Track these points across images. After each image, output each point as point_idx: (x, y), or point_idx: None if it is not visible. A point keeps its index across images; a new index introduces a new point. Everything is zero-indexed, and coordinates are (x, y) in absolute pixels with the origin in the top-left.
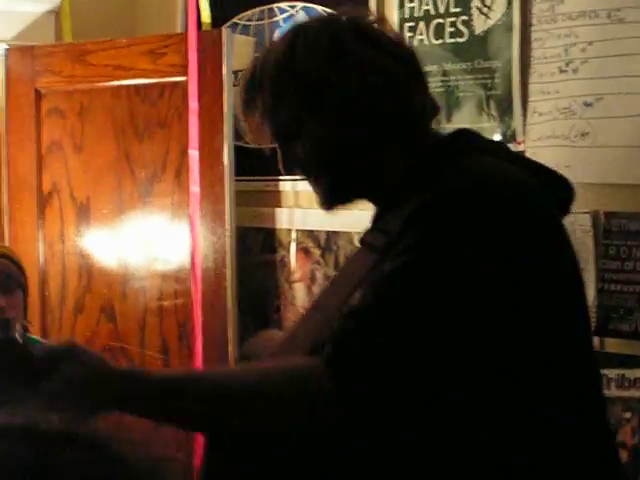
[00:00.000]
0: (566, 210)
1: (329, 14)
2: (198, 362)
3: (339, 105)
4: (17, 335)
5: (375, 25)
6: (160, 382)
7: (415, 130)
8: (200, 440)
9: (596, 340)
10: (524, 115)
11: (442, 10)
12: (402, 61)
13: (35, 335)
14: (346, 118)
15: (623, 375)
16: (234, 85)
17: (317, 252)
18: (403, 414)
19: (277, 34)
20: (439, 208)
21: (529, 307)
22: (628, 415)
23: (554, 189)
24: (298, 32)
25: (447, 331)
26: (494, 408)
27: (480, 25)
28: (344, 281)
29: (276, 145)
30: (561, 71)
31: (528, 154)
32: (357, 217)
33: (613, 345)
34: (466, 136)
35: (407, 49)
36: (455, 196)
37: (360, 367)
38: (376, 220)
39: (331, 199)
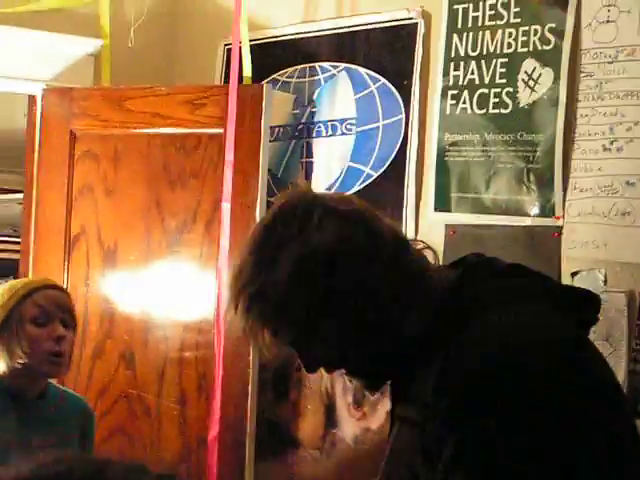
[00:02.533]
0: (590, 326)
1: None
2: (216, 415)
3: (340, 309)
4: None
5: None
6: None
7: (412, 290)
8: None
9: None
10: (564, 190)
11: (487, 80)
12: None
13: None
14: (348, 318)
15: None
16: (270, 140)
17: None
18: None
19: (317, 93)
20: (465, 400)
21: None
22: None
23: (578, 308)
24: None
25: None
26: None
27: (525, 98)
28: (399, 461)
29: (296, 353)
30: (605, 149)
31: (566, 229)
32: None
33: None
34: (474, 273)
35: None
36: (477, 387)
37: None
38: (403, 386)
39: (372, 386)
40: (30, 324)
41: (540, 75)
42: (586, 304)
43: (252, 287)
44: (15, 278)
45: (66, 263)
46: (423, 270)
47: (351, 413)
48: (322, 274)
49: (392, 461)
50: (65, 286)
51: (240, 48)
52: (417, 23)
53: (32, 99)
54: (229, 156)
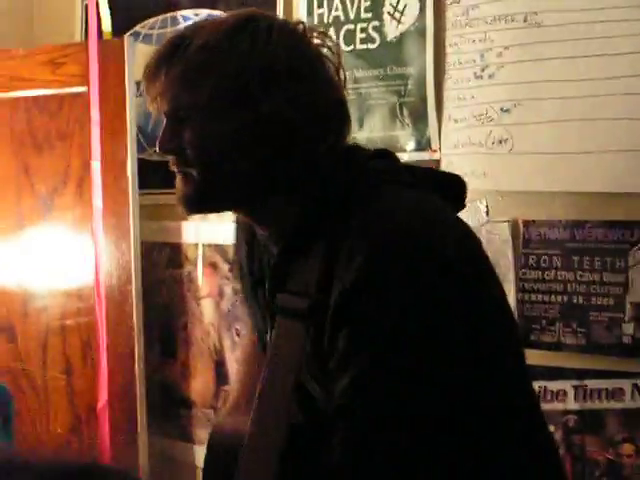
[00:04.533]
0: (462, 206)
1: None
2: (103, 381)
3: (251, 110)
4: None
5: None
6: None
7: (315, 150)
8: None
9: None
10: (439, 122)
11: (352, 16)
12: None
13: None
14: (249, 123)
15: (545, 388)
16: (137, 95)
17: (225, 267)
18: None
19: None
20: (366, 290)
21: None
22: (551, 428)
23: (450, 191)
24: (247, 25)
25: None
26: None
27: (392, 31)
28: (282, 363)
29: (163, 119)
30: (476, 76)
31: (443, 162)
32: None
33: (534, 357)
34: (360, 158)
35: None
36: (378, 286)
37: None
38: (277, 269)
39: (197, 200)
40: None
41: (405, 6)
42: (456, 184)
43: (191, 33)
44: None
45: None
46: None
47: (241, 369)
48: (264, 67)
49: (277, 361)
50: None
51: (97, 3)
52: None
53: None
54: (94, 114)
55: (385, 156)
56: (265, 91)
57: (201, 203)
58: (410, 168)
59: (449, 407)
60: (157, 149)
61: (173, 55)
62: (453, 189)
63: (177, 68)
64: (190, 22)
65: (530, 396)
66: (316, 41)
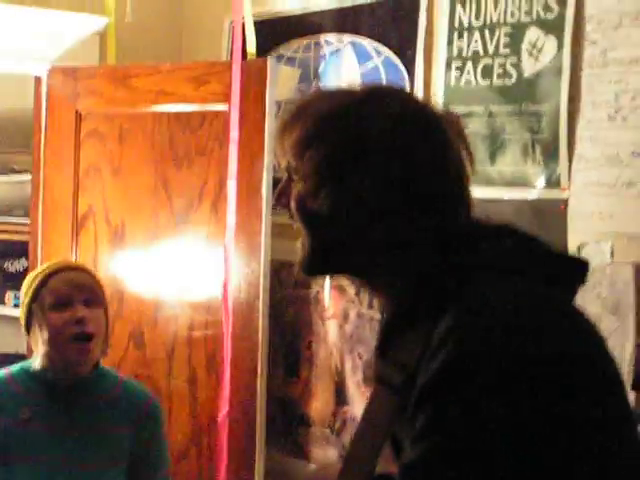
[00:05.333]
0: (576, 288)
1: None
2: (225, 394)
3: (354, 185)
4: None
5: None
6: None
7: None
8: (222, 472)
9: (632, 395)
10: (570, 161)
11: (491, 51)
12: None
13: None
14: (349, 198)
15: None
16: (276, 116)
17: (351, 290)
18: None
19: (322, 67)
20: (451, 382)
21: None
22: None
23: (565, 273)
24: (369, 100)
25: None
26: None
27: (529, 67)
28: (371, 431)
29: (284, 178)
30: (610, 118)
31: (572, 201)
32: None
33: None
34: (485, 240)
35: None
36: (467, 369)
37: None
38: (384, 337)
39: (306, 265)
40: (50, 311)
41: (544, 44)
42: (576, 270)
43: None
44: (27, 259)
45: (74, 244)
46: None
47: (361, 391)
48: (387, 136)
49: (364, 429)
50: None
51: (243, 24)
52: None
53: (38, 79)
54: (234, 133)
55: (506, 234)
56: (369, 170)
57: (310, 268)
58: (529, 250)
59: None
60: (274, 203)
61: (295, 119)
62: (573, 273)
63: (295, 132)
64: (332, 47)
65: None
66: (447, 121)
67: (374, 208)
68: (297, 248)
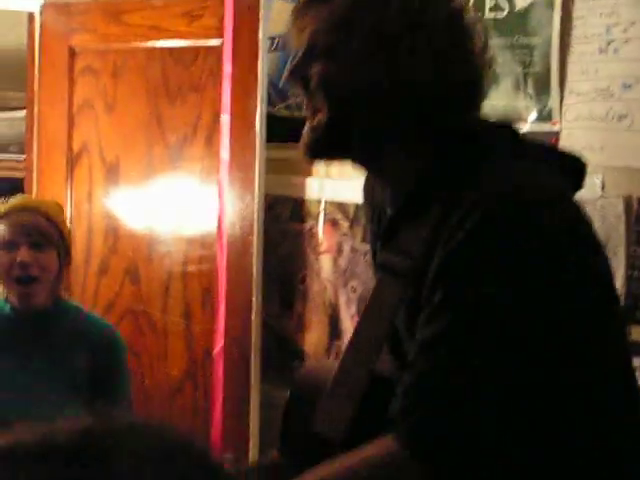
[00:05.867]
0: (580, 186)
1: None
2: (220, 328)
3: (389, 64)
4: None
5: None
6: None
7: (443, 115)
8: (218, 406)
9: None
10: (561, 95)
11: None
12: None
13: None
14: (383, 76)
15: None
16: (270, 51)
17: (345, 224)
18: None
19: None
20: (470, 255)
21: (577, 343)
22: None
23: (571, 172)
24: None
25: (510, 389)
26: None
27: (521, 0)
28: (377, 314)
29: (298, 53)
30: (601, 51)
31: (563, 134)
32: None
33: (637, 333)
34: (484, 129)
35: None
36: (486, 240)
37: (444, 451)
38: (389, 229)
39: (320, 144)
40: (2, 250)
41: None
42: (576, 167)
43: None
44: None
45: (69, 180)
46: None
47: (354, 324)
48: (406, 15)
49: (371, 313)
50: (68, 203)
51: None
52: None
53: (31, 16)
54: (227, 68)
55: (507, 127)
56: (409, 50)
57: (323, 148)
58: (532, 143)
59: (535, 367)
60: (285, 76)
61: None
62: (573, 168)
63: (325, 9)
64: None
65: (626, 374)
66: (469, 15)
67: (404, 85)
68: (303, 134)
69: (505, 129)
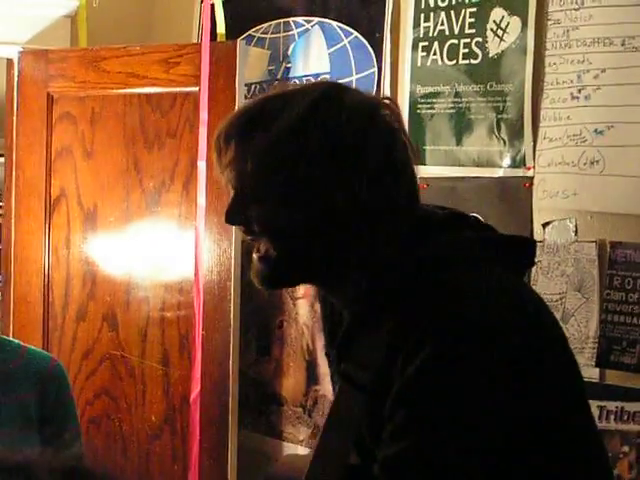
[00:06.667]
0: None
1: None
2: (197, 374)
3: (323, 199)
4: None
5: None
6: None
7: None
8: (195, 452)
9: (596, 372)
10: (534, 140)
11: (457, 31)
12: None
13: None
14: (321, 211)
15: (622, 408)
16: (246, 97)
17: None
18: None
19: (291, 48)
20: (431, 375)
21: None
22: (626, 449)
23: (518, 254)
24: (319, 108)
25: None
26: None
27: (494, 47)
28: (341, 428)
29: (230, 190)
30: (573, 97)
31: (537, 180)
32: None
33: (613, 377)
34: (436, 230)
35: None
36: (440, 366)
37: None
38: (344, 339)
39: (272, 279)
40: None
41: (508, 24)
42: (526, 250)
43: (264, 105)
44: (0, 242)
45: (47, 226)
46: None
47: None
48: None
49: (334, 425)
50: (46, 248)
51: (213, 5)
52: None
53: (9, 62)
54: (203, 115)
55: (458, 219)
56: (340, 182)
57: (276, 282)
58: (479, 237)
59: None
60: (224, 220)
61: (246, 130)
62: (522, 254)
63: (249, 147)
64: (301, 29)
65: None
66: (386, 113)
67: (341, 215)
68: (253, 266)
69: (456, 218)
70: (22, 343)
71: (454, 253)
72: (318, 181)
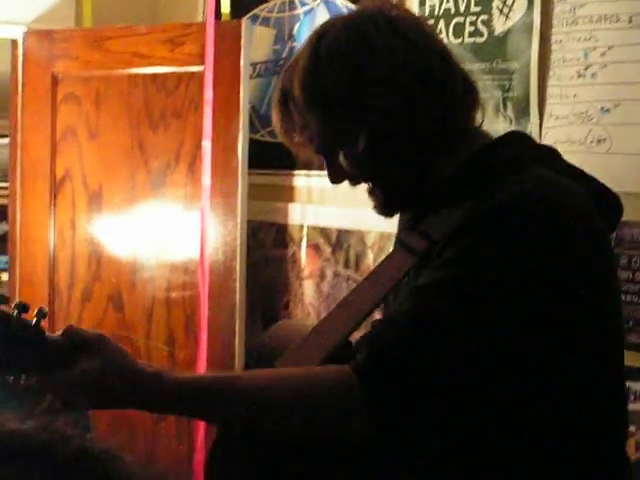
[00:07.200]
0: (614, 227)
1: (352, 11)
2: (203, 355)
3: (373, 120)
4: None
5: (400, 16)
6: (190, 387)
7: (458, 134)
8: (201, 432)
9: None
10: (540, 118)
11: (462, 9)
12: (437, 58)
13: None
14: (381, 133)
15: (629, 388)
16: (252, 77)
17: (328, 249)
18: (427, 435)
19: (296, 28)
20: (490, 224)
21: (567, 330)
22: (633, 429)
23: (606, 206)
24: (320, 40)
25: (487, 361)
26: (523, 424)
27: (500, 25)
28: (378, 281)
29: (321, 157)
30: (579, 75)
31: None
32: (368, 215)
33: None
34: (519, 141)
35: (438, 40)
36: (508, 215)
37: (390, 389)
38: (415, 220)
39: (386, 208)
40: None
41: (514, 1)
42: (614, 202)
43: (286, 81)
44: (7, 223)
45: (52, 207)
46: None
47: None
48: (353, 69)
49: (370, 280)
50: (51, 229)
51: None
52: None
53: (14, 43)
54: (208, 94)
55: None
56: (417, 105)
57: (391, 209)
58: (580, 172)
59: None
60: (331, 182)
61: (311, 82)
62: (612, 205)
63: (296, 110)
64: (306, 8)
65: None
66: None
67: (425, 128)
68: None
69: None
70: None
71: (537, 155)
72: (399, 107)
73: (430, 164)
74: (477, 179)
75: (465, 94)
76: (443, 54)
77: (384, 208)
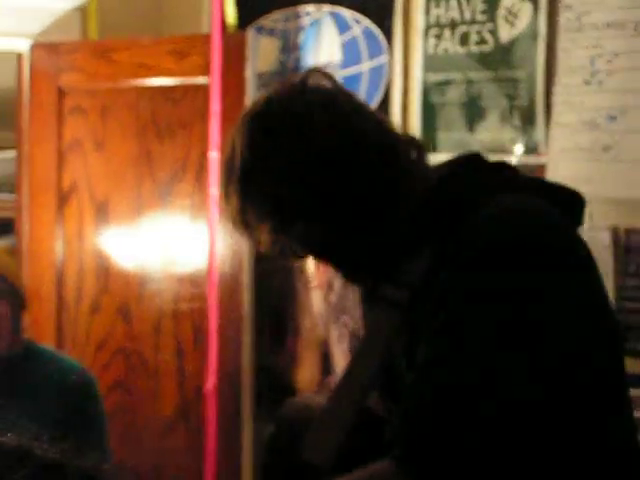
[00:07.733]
0: (579, 223)
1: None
2: (212, 366)
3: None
4: None
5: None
6: None
7: (393, 186)
8: (210, 446)
9: None
10: (547, 126)
11: (468, 18)
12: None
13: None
14: (337, 213)
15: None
16: (258, 87)
17: None
18: None
19: (302, 38)
20: (476, 279)
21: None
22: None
23: (571, 206)
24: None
25: (522, 422)
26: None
27: (506, 34)
28: (374, 344)
29: (275, 241)
30: (586, 83)
31: (550, 166)
32: None
33: (630, 364)
34: (468, 169)
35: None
36: (493, 261)
37: (438, 472)
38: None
39: (351, 279)
40: None
41: (519, 10)
42: (575, 199)
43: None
44: (13, 236)
45: (59, 219)
46: (416, 161)
47: (347, 360)
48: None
49: (367, 344)
50: (59, 242)
51: None
52: None
53: (20, 56)
54: (215, 105)
55: (502, 168)
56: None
57: (355, 280)
58: (527, 177)
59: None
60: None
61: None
62: (569, 202)
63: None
64: (312, 18)
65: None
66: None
67: (372, 203)
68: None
69: (501, 166)
70: (55, 352)
71: (498, 186)
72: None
73: (379, 225)
74: (435, 220)
75: (382, 148)
76: (348, 116)
77: (350, 279)
